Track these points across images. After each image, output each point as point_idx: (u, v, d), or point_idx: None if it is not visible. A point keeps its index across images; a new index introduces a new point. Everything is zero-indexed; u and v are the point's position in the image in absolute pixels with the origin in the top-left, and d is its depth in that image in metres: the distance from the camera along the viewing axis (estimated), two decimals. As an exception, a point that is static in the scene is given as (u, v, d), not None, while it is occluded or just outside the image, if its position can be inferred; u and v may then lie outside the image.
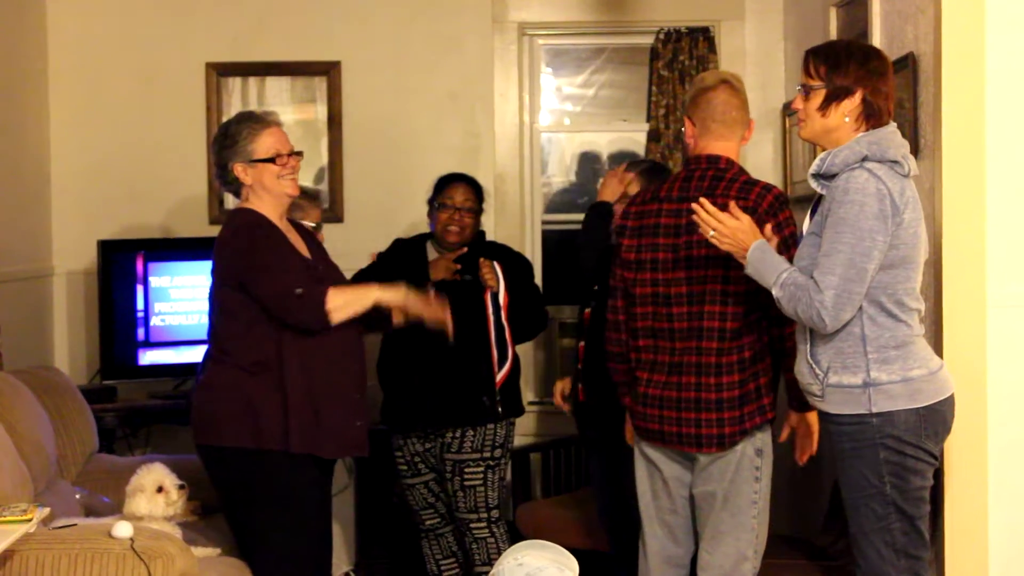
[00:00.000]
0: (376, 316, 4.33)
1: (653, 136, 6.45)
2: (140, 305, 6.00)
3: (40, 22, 6.37)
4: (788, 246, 4.03)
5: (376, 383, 5.19)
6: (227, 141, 4.28)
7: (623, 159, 6.61)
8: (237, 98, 6.50)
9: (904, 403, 3.66)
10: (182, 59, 6.45)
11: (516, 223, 6.53)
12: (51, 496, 4.62)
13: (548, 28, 6.68)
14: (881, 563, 3.72)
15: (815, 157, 3.83)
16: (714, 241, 3.85)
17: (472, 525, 5.21)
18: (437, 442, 5.20)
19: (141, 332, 6.01)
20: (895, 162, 3.69)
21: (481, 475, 5.17)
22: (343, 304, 4.15)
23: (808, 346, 3.77)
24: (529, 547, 3.06)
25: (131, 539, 3.94)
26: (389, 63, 6.47)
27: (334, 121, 6.46)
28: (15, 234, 5.99)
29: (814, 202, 3.85)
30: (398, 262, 5.29)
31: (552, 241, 6.74)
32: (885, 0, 4.88)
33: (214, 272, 4.27)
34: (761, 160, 6.43)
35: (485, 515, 5.20)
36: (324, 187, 6.43)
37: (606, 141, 6.93)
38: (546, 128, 6.81)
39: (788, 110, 6.08)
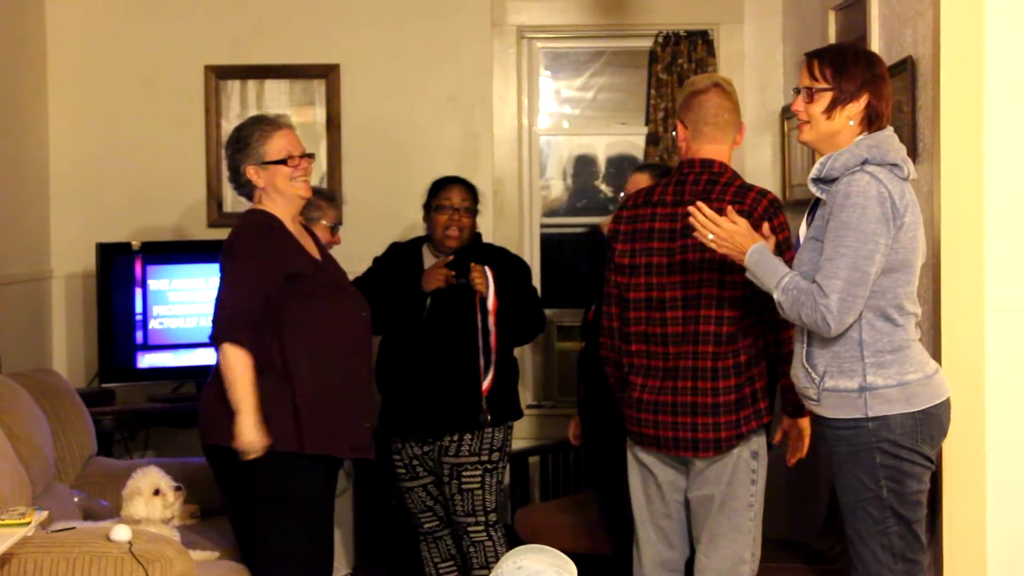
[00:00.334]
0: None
1: (652, 139, 6.45)
2: (139, 308, 6.00)
3: (39, 25, 6.37)
4: (783, 251, 4.04)
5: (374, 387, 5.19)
6: (239, 144, 4.31)
7: (621, 162, 6.63)
8: (236, 101, 6.50)
9: (900, 407, 3.66)
10: (181, 62, 6.45)
11: (515, 226, 6.53)
12: (49, 499, 4.62)
13: (547, 31, 6.68)
14: (878, 567, 3.72)
15: (814, 161, 3.83)
16: (712, 245, 3.85)
17: (470, 528, 5.21)
18: (435, 445, 5.20)
19: (140, 335, 6.01)
20: (895, 165, 3.70)
21: (479, 479, 5.17)
22: (232, 368, 4.14)
23: (804, 350, 3.77)
24: (528, 551, 3.06)
25: (129, 542, 3.94)
26: (388, 66, 6.47)
27: (333, 124, 6.46)
28: (14, 237, 5.99)
29: (810, 206, 3.85)
30: (395, 266, 5.29)
31: (550, 244, 6.74)
32: (884, 3, 4.88)
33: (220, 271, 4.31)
34: (760, 163, 6.43)
35: (483, 518, 5.20)
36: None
37: (605, 144, 6.94)
38: (545, 131, 6.81)
39: (787, 113, 6.08)
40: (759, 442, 4.22)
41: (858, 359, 3.67)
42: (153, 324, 6.03)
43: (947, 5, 4.29)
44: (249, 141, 4.29)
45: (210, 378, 4.34)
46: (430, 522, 5.38)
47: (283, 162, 4.27)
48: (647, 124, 6.52)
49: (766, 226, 3.94)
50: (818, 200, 3.80)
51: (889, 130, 3.77)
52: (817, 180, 3.76)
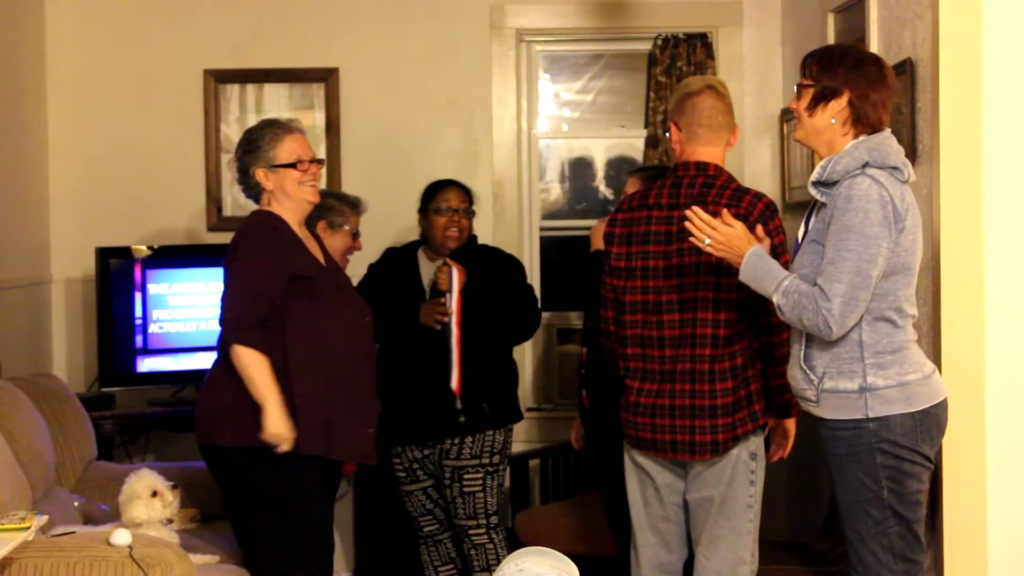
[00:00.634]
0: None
1: (651, 142, 6.45)
2: (138, 312, 5.99)
3: (39, 29, 6.37)
4: (778, 254, 4.04)
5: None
6: (250, 146, 4.33)
7: (621, 165, 6.63)
8: (235, 105, 6.50)
9: (900, 407, 3.66)
10: (180, 66, 6.45)
11: (514, 229, 6.53)
12: (49, 504, 4.62)
13: (546, 34, 6.68)
14: (879, 567, 3.72)
15: (813, 164, 3.83)
16: (709, 249, 3.84)
17: (471, 531, 5.21)
18: (435, 448, 5.20)
19: (139, 339, 6.00)
20: (895, 168, 3.70)
21: (480, 481, 5.17)
22: (247, 367, 4.13)
23: (802, 352, 3.76)
24: (529, 554, 3.06)
25: (129, 546, 3.94)
26: (387, 69, 6.47)
27: (332, 127, 6.46)
28: (13, 242, 5.99)
29: (809, 209, 3.85)
30: (391, 272, 5.29)
31: (550, 247, 6.74)
32: (883, 6, 4.88)
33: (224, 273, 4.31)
34: (759, 165, 6.44)
35: (484, 521, 5.20)
36: (321, 193, 6.43)
37: (604, 147, 6.93)
38: (544, 134, 6.81)
39: (786, 116, 6.09)
40: (757, 443, 4.23)
41: (858, 360, 3.67)
42: (153, 328, 6.02)
43: (946, 7, 4.30)
44: (260, 144, 4.31)
45: (206, 380, 4.36)
46: (430, 525, 5.38)
47: (293, 166, 4.28)
48: (646, 127, 6.52)
49: (760, 228, 3.93)
50: (815, 203, 3.80)
51: (887, 132, 3.77)
52: (817, 183, 3.76)
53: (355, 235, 5.17)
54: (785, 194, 6.21)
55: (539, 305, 5.44)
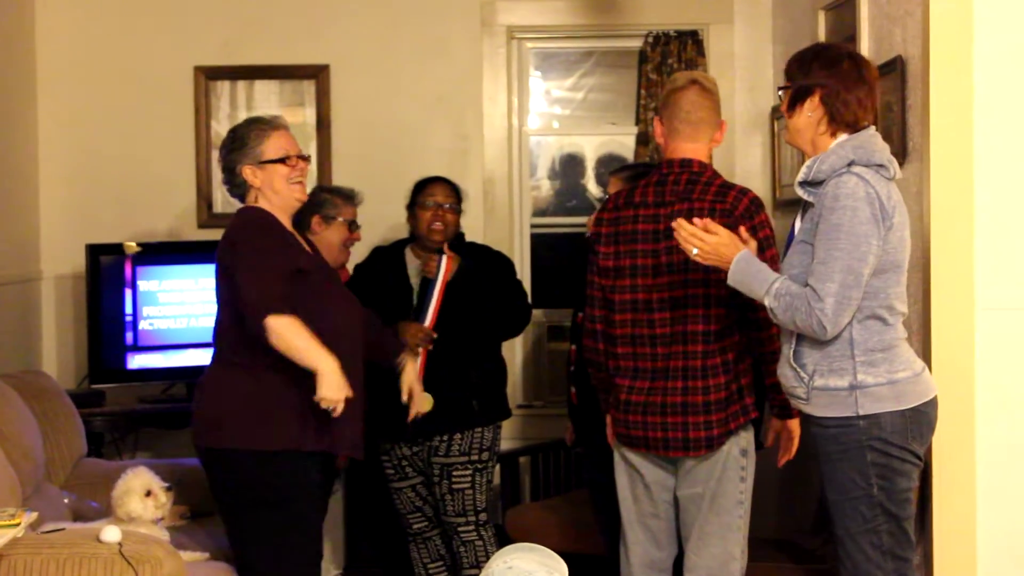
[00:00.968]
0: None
1: (642, 139, 6.46)
2: (128, 309, 5.99)
3: (29, 26, 6.36)
4: (764, 248, 4.05)
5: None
6: (235, 143, 4.25)
7: (611, 162, 6.62)
8: (226, 102, 6.49)
9: (890, 405, 3.67)
10: (171, 63, 6.44)
11: (505, 226, 6.53)
12: (39, 500, 4.62)
13: (536, 32, 6.68)
14: (868, 565, 3.73)
15: (804, 161, 3.83)
16: (697, 259, 3.84)
17: (460, 528, 5.21)
18: (424, 446, 5.20)
19: (130, 336, 6.00)
20: (881, 166, 3.70)
21: (469, 478, 5.17)
22: (286, 335, 3.97)
23: (792, 350, 3.77)
24: (518, 550, 3.06)
25: (119, 543, 3.94)
26: (378, 66, 6.47)
27: (323, 124, 6.46)
28: (3, 238, 5.98)
29: (801, 208, 3.85)
30: (378, 269, 5.28)
31: (540, 244, 6.74)
32: (873, 3, 4.88)
33: (219, 271, 4.19)
34: (749, 163, 6.44)
35: (473, 518, 5.20)
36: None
37: (595, 144, 6.94)
38: (535, 131, 6.81)
39: (776, 113, 6.09)
40: (748, 439, 4.23)
41: (848, 358, 3.68)
42: (143, 325, 6.02)
43: (936, 5, 4.30)
44: (246, 140, 4.24)
45: (202, 381, 4.27)
46: (419, 523, 5.38)
47: (282, 161, 4.22)
48: (637, 124, 6.52)
49: (743, 229, 3.92)
50: (805, 203, 3.80)
51: (871, 130, 3.78)
52: (804, 183, 3.76)
53: (351, 226, 5.16)
54: (776, 192, 6.22)
55: (530, 301, 5.43)
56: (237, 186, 4.28)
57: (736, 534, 4.23)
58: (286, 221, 4.29)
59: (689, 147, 4.23)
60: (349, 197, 5.22)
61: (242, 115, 6.32)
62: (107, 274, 5.99)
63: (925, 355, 4.17)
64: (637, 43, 6.55)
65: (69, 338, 6.42)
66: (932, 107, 4.31)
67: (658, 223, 4.17)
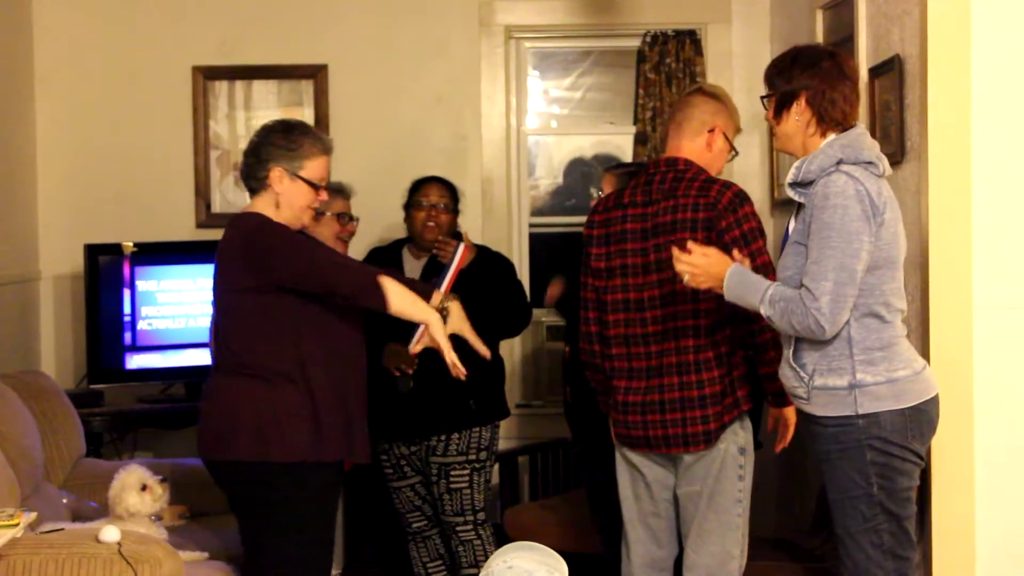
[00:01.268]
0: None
1: (640, 139, 6.46)
2: (127, 309, 5.99)
3: (26, 25, 6.36)
4: (748, 241, 4.08)
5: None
6: (284, 141, 4.07)
7: (609, 162, 6.62)
8: (224, 101, 6.49)
9: (890, 404, 3.67)
10: (169, 62, 6.44)
11: (503, 226, 6.53)
12: (38, 500, 4.62)
13: (535, 31, 6.69)
14: (868, 564, 3.72)
15: (796, 162, 3.84)
16: (692, 284, 3.84)
17: (458, 528, 5.21)
18: (422, 445, 5.20)
19: (128, 336, 6.00)
20: (870, 163, 3.71)
21: (467, 477, 5.18)
22: (399, 289, 3.99)
23: (791, 349, 3.77)
24: (518, 549, 3.05)
25: (118, 543, 3.94)
26: (376, 66, 6.47)
27: (321, 124, 6.45)
28: (1, 238, 5.98)
29: (796, 207, 3.85)
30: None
31: (539, 244, 6.74)
32: (871, 2, 4.89)
33: (223, 279, 4.05)
34: (748, 164, 6.43)
35: (471, 517, 5.21)
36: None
37: (593, 144, 6.94)
38: (533, 131, 6.81)
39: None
40: (746, 437, 4.24)
41: (847, 357, 3.68)
42: (142, 325, 6.02)
43: (934, 4, 4.30)
44: (297, 145, 4.06)
45: (208, 390, 4.13)
46: (418, 522, 5.38)
47: (315, 187, 4.09)
48: (635, 123, 6.53)
49: (736, 252, 3.92)
50: (798, 205, 3.80)
51: (859, 128, 3.79)
52: (794, 184, 3.77)
53: (342, 218, 5.13)
54: (774, 192, 6.22)
55: (529, 301, 5.44)
56: (256, 179, 4.08)
57: (735, 532, 4.23)
58: None
59: (676, 145, 4.29)
60: (338, 191, 5.19)
61: (240, 115, 6.35)
62: (105, 274, 5.99)
63: (923, 354, 4.16)
64: (635, 43, 6.55)
65: (68, 338, 6.42)
66: (930, 106, 4.31)
67: (645, 222, 4.21)
